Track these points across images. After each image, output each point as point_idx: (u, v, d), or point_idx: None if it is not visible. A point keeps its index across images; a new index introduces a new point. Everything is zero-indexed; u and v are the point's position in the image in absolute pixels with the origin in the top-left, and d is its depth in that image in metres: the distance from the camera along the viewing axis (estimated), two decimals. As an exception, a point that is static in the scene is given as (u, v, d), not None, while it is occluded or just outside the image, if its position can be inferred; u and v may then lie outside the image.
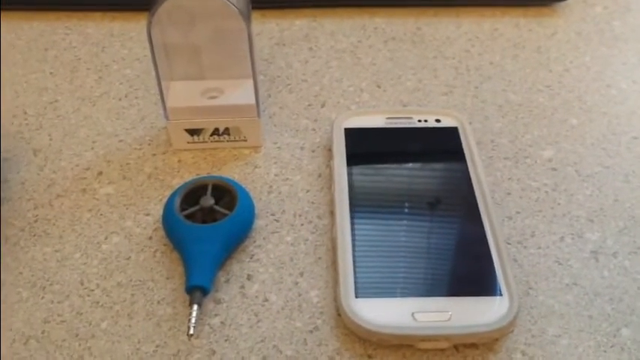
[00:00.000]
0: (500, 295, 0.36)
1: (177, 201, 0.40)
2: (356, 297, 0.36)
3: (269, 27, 0.59)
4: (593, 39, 0.58)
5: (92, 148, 0.47)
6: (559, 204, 0.43)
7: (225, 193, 0.41)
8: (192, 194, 0.41)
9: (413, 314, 0.35)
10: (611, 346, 0.35)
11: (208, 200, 0.40)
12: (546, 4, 0.61)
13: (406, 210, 0.41)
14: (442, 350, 0.35)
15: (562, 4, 0.61)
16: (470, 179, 0.42)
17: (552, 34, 0.58)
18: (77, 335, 0.36)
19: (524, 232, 0.41)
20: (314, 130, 0.49)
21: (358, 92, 0.52)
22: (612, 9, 0.61)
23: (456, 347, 0.35)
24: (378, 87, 0.52)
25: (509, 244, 0.40)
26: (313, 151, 0.47)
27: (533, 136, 0.48)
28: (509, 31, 0.59)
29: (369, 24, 0.59)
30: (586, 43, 0.57)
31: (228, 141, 0.46)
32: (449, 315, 0.35)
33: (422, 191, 0.42)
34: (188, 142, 0.46)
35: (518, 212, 0.42)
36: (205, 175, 0.43)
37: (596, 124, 0.49)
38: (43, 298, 0.38)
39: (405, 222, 0.40)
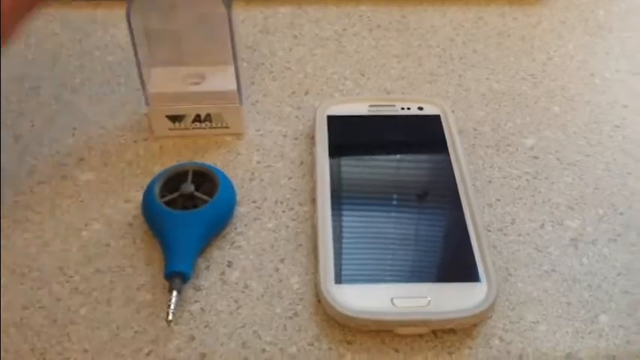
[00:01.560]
0: (479, 281, 0.36)
1: (157, 187, 0.40)
2: (335, 283, 0.36)
3: (253, 14, 0.59)
4: (577, 27, 0.58)
5: (73, 135, 0.47)
6: (540, 192, 0.43)
7: (206, 180, 0.41)
8: (172, 181, 0.41)
9: (392, 300, 0.35)
10: (589, 333, 0.35)
11: (189, 187, 0.40)
12: (531, -7, 0.61)
13: (387, 197, 0.41)
14: (421, 336, 0.35)
15: (547, -7, 0.62)
16: (451, 167, 0.42)
17: (537, 22, 0.58)
18: (56, 321, 0.36)
19: (505, 219, 0.41)
20: (297, 117, 0.48)
21: (342, 80, 0.52)
22: (597, -2, 0.62)
23: (434, 332, 0.35)
24: (362, 75, 0.52)
25: (489, 231, 0.40)
26: (296, 139, 0.47)
27: (515, 125, 0.48)
28: (494, 19, 0.58)
29: (354, 12, 0.59)
30: (570, 31, 0.57)
31: (210, 128, 0.46)
32: (427, 300, 0.35)
33: (403, 179, 0.42)
34: (169, 129, 0.46)
35: (498, 200, 0.42)
36: (186, 162, 0.43)
37: (579, 112, 0.49)
38: (22, 284, 0.38)
39: (385, 209, 0.40)
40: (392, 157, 0.43)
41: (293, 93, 0.51)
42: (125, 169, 0.44)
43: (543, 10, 0.60)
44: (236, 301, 0.37)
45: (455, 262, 0.37)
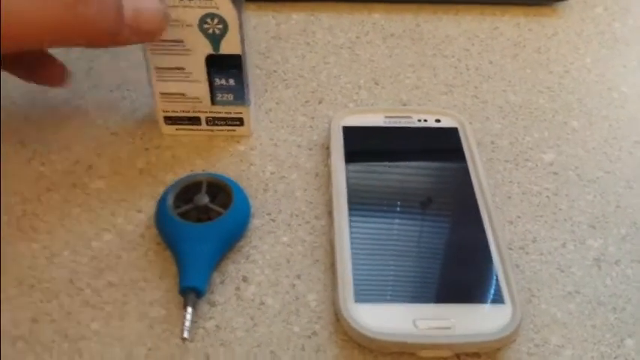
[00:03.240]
0: (503, 302, 0.35)
1: (171, 198, 0.39)
2: (355, 301, 0.35)
3: (265, 20, 0.58)
4: (593, 40, 0.57)
5: (83, 141, 0.46)
6: (560, 209, 0.42)
7: (220, 191, 0.40)
8: (186, 191, 0.40)
9: (414, 321, 0.34)
10: (615, 357, 0.35)
11: (203, 198, 0.39)
12: (547, 3, 0.60)
13: (406, 212, 0.40)
14: (444, 359, 0.34)
15: (562, 4, 0.61)
16: (471, 181, 0.42)
17: (553, 34, 0.57)
18: (67, 336, 0.35)
19: (526, 237, 0.40)
20: (311, 127, 0.47)
21: (356, 89, 0.51)
22: (612, 10, 0.61)
23: (457, 356, 0.34)
24: (377, 84, 0.51)
25: (510, 249, 0.39)
26: (310, 149, 0.46)
27: (533, 139, 0.47)
28: (510, 30, 0.58)
29: (368, 19, 0.58)
30: (586, 44, 0.57)
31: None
32: (451, 323, 0.34)
33: (422, 193, 0.41)
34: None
35: (519, 217, 0.41)
36: (200, 172, 0.42)
37: (597, 127, 0.48)
38: (31, 296, 0.37)
39: (404, 224, 0.39)
40: (410, 170, 0.43)
41: (307, 102, 0.50)
42: (136, 178, 0.43)
43: (559, 21, 0.59)
44: (252, 319, 0.36)
45: (478, 282, 0.36)
